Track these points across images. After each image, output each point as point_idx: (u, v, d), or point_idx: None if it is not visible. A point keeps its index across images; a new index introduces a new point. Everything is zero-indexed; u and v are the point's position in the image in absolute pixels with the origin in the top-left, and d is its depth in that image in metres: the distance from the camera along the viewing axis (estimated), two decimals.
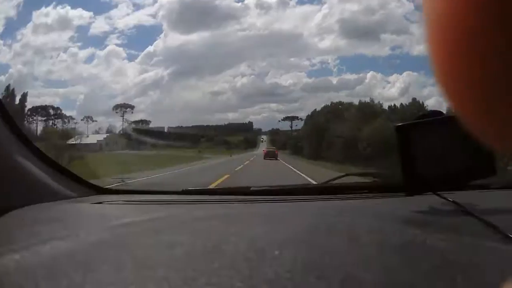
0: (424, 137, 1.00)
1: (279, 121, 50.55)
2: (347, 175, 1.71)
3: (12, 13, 38.73)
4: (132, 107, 44.18)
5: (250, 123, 52.91)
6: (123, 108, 43.63)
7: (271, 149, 32.78)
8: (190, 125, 45.89)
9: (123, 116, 42.66)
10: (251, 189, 1.46)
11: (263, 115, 53.28)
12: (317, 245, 0.52)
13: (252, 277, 0.41)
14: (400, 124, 1.00)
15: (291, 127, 49.79)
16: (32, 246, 0.52)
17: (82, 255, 0.48)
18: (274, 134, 50.31)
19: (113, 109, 43.09)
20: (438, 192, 1.09)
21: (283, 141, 46.47)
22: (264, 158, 27.55)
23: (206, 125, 47.46)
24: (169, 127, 44.29)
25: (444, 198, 1.10)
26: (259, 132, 52.62)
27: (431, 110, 1.09)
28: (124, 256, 0.47)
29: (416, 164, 0.98)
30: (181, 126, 45.02)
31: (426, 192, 1.06)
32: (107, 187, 1.51)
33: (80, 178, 1.40)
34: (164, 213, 1.01)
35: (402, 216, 1.07)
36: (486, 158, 1.11)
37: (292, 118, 50.28)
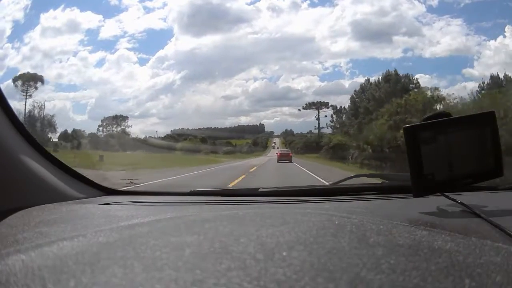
0: (432, 138, 1.00)
1: (299, 109, 44.01)
2: (355, 176, 1.71)
3: (19, 15, 38.72)
4: (41, 79, 32.90)
5: (262, 125, 50.26)
6: (29, 81, 31.68)
7: (285, 152, 30.87)
8: (197, 128, 43.71)
9: (26, 94, 31.02)
10: (260, 190, 1.46)
11: (276, 119, 52.00)
12: (326, 246, 0.51)
13: (261, 278, 0.41)
14: (407, 125, 1.00)
15: (318, 118, 40.50)
16: (39, 246, 0.53)
17: (90, 256, 0.48)
18: (288, 136, 46.09)
19: (13, 83, 31.30)
20: (446, 193, 1.09)
21: (302, 144, 40.41)
22: (278, 161, 25.75)
23: (214, 127, 45.79)
24: (172, 130, 42.14)
25: (452, 199, 1.09)
26: (271, 134, 50.31)
27: (438, 112, 1.09)
28: (132, 257, 0.47)
29: (424, 165, 0.98)
30: (187, 129, 43.06)
31: (434, 193, 1.06)
32: (114, 188, 1.52)
33: (88, 179, 1.41)
34: (172, 214, 1.01)
35: (410, 217, 1.07)
36: (493, 159, 1.10)
37: (318, 105, 40.49)
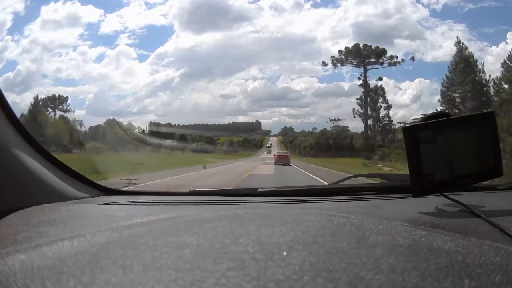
0: (432, 138, 1.00)
1: (321, 64, 30.59)
2: (355, 176, 1.70)
3: (20, 7, 38.35)
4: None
5: (258, 123, 46.99)
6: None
7: (283, 153, 26.38)
8: (187, 124, 40.77)
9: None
10: (259, 190, 1.46)
11: (274, 119, 50.28)
12: (325, 246, 0.51)
13: (260, 278, 0.41)
14: (407, 125, 1.00)
15: (364, 80, 25.45)
16: (38, 246, 0.53)
17: (89, 256, 0.48)
18: (289, 133, 41.22)
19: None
20: (445, 193, 1.09)
21: (313, 142, 30.49)
22: (276, 164, 22.10)
23: (206, 124, 42.87)
24: (150, 122, 37.83)
25: (451, 199, 1.09)
26: (267, 133, 46.89)
27: (438, 112, 1.09)
28: (132, 257, 0.47)
29: (423, 165, 0.98)
30: (176, 125, 38.88)
31: (433, 193, 1.06)
32: (114, 188, 1.52)
33: (87, 179, 1.41)
34: (172, 214, 1.01)
35: (410, 217, 1.07)
36: (492, 159, 1.11)
37: (366, 56, 24.77)
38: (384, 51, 24.46)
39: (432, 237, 0.60)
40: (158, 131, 32.38)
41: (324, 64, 30.39)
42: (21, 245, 0.71)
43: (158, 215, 1.02)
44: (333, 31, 46.54)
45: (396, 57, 25.29)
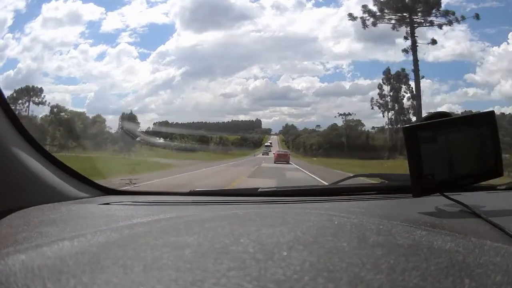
0: (432, 138, 1.00)
1: (350, 17, 22.02)
2: (355, 176, 1.71)
3: (21, 5, 38.40)
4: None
5: (259, 121, 47.04)
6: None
7: (282, 152, 25.97)
8: (186, 122, 40.40)
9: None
10: (259, 190, 1.46)
11: (275, 119, 50.42)
12: (326, 246, 0.51)
13: (261, 278, 0.41)
14: (407, 125, 1.00)
15: (413, 40, 17.36)
16: (39, 246, 0.53)
17: (90, 256, 0.48)
18: (291, 131, 40.23)
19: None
20: (445, 193, 1.09)
21: (322, 140, 25.98)
22: (275, 162, 21.68)
23: (204, 122, 42.79)
24: (154, 123, 38.23)
25: (452, 199, 1.10)
26: (267, 131, 46.82)
27: (438, 112, 1.09)
28: (132, 257, 0.47)
29: (423, 165, 0.98)
30: (174, 123, 38.78)
31: (433, 193, 1.06)
32: (114, 188, 1.52)
33: (87, 179, 1.41)
34: (172, 214, 1.01)
35: (410, 217, 1.07)
36: (492, 159, 1.11)
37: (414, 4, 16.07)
38: (438, 1, 16.65)
39: (433, 237, 0.60)
40: (133, 128, 29.09)
41: (352, 17, 22.29)
42: (21, 245, 0.71)
43: (158, 215, 1.02)
44: (335, 31, 46.09)
45: (454, 12, 17.56)
